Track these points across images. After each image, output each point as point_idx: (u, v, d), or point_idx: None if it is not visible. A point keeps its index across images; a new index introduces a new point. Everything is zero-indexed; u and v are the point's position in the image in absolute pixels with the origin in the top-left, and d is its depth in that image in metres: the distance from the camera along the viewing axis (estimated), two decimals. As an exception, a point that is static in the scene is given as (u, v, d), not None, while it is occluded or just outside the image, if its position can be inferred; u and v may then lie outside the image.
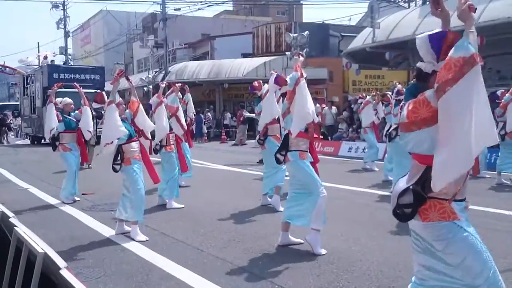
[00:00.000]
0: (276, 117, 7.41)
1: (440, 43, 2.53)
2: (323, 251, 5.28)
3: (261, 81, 8.35)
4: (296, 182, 5.59)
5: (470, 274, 2.57)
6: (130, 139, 6.27)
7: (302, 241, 5.55)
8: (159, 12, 32.70)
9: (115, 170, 6.21)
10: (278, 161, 5.63)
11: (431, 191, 2.55)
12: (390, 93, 11.21)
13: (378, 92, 13.45)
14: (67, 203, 8.46)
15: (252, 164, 14.00)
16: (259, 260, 5.17)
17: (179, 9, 32.62)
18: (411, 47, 19.60)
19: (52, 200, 8.93)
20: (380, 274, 4.61)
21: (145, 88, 30.27)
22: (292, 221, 5.55)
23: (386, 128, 9.74)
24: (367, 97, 12.99)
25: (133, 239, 6.02)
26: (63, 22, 43.11)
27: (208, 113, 28.38)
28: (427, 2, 20.93)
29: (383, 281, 4.42)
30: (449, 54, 2.40)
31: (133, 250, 5.64)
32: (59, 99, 9.25)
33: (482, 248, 2.61)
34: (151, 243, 5.88)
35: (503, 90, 10.30)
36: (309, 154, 5.57)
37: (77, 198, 8.72)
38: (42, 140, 23.57)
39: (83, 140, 9.05)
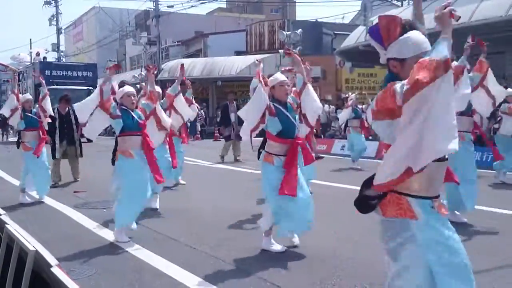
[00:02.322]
0: None
1: (378, 32, 2.54)
2: (278, 247, 5.33)
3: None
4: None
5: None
6: (124, 132, 5.86)
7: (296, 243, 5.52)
8: (152, 9, 32.61)
9: (113, 163, 6.02)
10: (258, 157, 5.60)
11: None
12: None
13: (363, 92, 13.61)
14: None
15: (246, 161, 14.01)
16: (252, 258, 5.17)
17: (172, 6, 32.65)
18: (403, 45, 19.67)
19: (44, 198, 8.89)
20: (372, 271, 4.62)
21: (138, 86, 30.16)
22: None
23: None
24: (352, 95, 13.18)
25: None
26: (55, 19, 42.99)
27: (201, 111, 28.33)
28: (420, 1, 21.00)
29: (375, 279, 4.44)
30: (423, 57, 2.33)
31: (125, 248, 5.62)
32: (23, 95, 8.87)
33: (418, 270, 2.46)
34: (144, 241, 5.86)
35: None
36: (280, 159, 5.21)
37: (29, 200, 8.52)
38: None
39: (45, 133, 8.71)
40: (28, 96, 8.82)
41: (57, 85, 24.11)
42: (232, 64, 28.59)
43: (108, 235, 6.21)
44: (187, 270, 4.79)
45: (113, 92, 5.87)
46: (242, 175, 11.98)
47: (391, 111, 2.39)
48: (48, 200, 8.66)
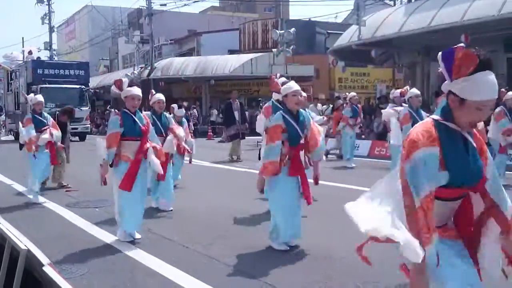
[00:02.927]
0: None
1: (452, 60, 2.30)
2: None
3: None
4: None
5: None
6: (124, 137, 5.71)
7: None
8: (145, 8, 32.50)
9: (111, 165, 5.80)
10: (259, 158, 5.72)
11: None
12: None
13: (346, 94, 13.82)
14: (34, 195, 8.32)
15: (241, 161, 14.02)
16: (245, 257, 5.17)
17: (165, 5, 32.44)
18: (396, 45, 19.76)
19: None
20: (366, 269, 4.63)
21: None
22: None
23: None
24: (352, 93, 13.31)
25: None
26: (48, 17, 42.76)
27: (194, 110, 28.30)
28: (413, 0, 21.07)
29: (369, 277, 4.45)
30: None
31: (117, 247, 5.60)
32: (29, 96, 8.87)
33: None
34: (137, 240, 5.84)
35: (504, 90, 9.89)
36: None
37: (42, 200, 8.35)
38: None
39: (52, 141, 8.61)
40: (40, 98, 8.67)
41: (49, 84, 23.98)
42: (225, 63, 28.59)
43: (101, 234, 6.18)
44: (180, 269, 4.78)
45: (120, 88, 5.76)
46: (237, 174, 11.99)
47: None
48: (40, 199, 8.61)
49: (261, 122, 7.61)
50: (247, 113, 19.25)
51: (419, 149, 2.25)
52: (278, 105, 6.58)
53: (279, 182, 5.24)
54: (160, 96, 7.87)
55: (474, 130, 2.47)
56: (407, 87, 9.78)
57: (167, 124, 7.86)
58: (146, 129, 5.85)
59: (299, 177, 5.37)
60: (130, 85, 5.87)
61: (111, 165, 5.74)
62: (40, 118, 8.50)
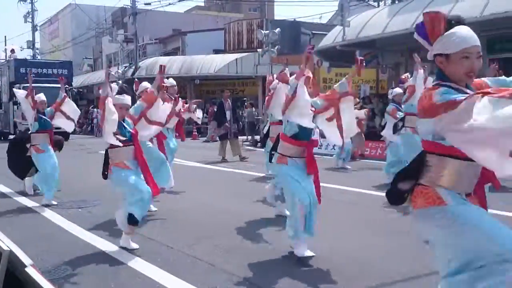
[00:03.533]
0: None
1: (424, 28, 2.55)
2: (309, 253, 5.03)
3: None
4: None
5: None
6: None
7: (313, 254, 5.10)
8: (129, 7, 32.30)
9: (105, 177, 5.54)
10: (270, 159, 5.46)
11: (422, 178, 2.55)
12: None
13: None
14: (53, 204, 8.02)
15: (226, 161, 14.02)
16: (229, 257, 5.18)
17: (149, 4, 32.25)
18: (380, 45, 19.88)
19: (19, 198, 8.76)
20: (351, 267, 4.68)
21: (113, 84, 29.90)
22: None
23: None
24: None
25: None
26: (30, 16, 42.29)
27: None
28: (396, 1, 21.22)
29: (364, 282, 4.49)
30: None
31: (101, 247, 5.58)
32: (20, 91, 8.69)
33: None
34: (119, 240, 5.81)
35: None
36: (295, 160, 5.09)
37: (54, 202, 8.11)
38: (9, 136, 23.08)
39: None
40: (43, 97, 8.46)
41: (32, 83, 23.68)
42: (211, 63, 28.56)
43: (83, 234, 6.15)
44: (163, 270, 4.77)
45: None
46: (222, 174, 11.99)
47: (429, 111, 2.40)
48: (22, 200, 8.54)
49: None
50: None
51: (438, 91, 2.37)
52: None
53: (292, 170, 5.06)
54: (147, 85, 7.55)
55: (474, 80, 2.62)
56: (407, 74, 9.64)
57: None
58: (136, 131, 5.72)
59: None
60: (119, 92, 5.60)
61: (105, 177, 5.54)
62: (45, 117, 8.30)
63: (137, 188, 5.41)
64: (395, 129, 8.44)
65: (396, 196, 2.68)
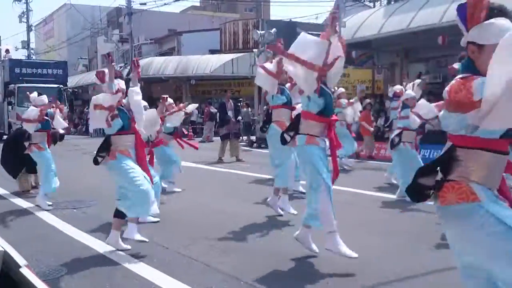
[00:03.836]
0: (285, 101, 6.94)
1: (464, 10, 2.37)
2: (354, 254, 4.71)
3: None
4: (304, 170, 5.03)
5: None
6: (121, 130, 5.47)
7: (317, 250, 5.03)
8: (124, 7, 32.22)
9: (96, 163, 5.46)
10: (284, 141, 5.10)
11: (451, 173, 2.41)
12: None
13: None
14: (45, 209, 7.81)
15: (222, 162, 14.00)
16: (225, 257, 5.17)
17: (144, 4, 32.17)
18: (375, 46, 19.91)
19: (13, 198, 8.73)
20: (358, 273, 4.67)
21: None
22: (308, 223, 4.95)
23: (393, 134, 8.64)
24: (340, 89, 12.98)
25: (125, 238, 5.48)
26: (25, 16, 42.18)
27: (175, 110, 28.17)
28: (392, 2, 21.26)
29: (359, 281, 4.49)
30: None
31: (96, 248, 5.56)
32: (33, 96, 8.41)
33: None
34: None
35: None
36: (324, 140, 4.94)
37: (49, 203, 7.99)
38: (3, 137, 23.00)
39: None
40: (45, 99, 8.38)
41: (27, 83, 23.69)
42: (206, 63, 28.52)
43: (78, 235, 6.13)
44: (159, 270, 4.75)
45: (102, 80, 5.52)
46: (217, 174, 11.99)
47: (465, 105, 2.25)
48: (17, 201, 8.51)
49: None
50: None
51: (476, 86, 2.21)
52: None
53: (322, 155, 4.90)
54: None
55: None
56: (401, 87, 9.28)
57: None
58: (134, 120, 5.66)
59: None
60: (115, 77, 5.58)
61: (96, 163, 5.46)
62: (47, 118, 8.25)
63: (138, 185, 5.33)
64: (392, 145, 8.21)
65: (418, 192, 2.53)
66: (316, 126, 4.90)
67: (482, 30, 2.33)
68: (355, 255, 4.68)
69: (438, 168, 2.46)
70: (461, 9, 2.39)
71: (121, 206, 5.42)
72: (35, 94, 8.45)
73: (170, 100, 9.04)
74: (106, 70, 5.58)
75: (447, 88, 2.38)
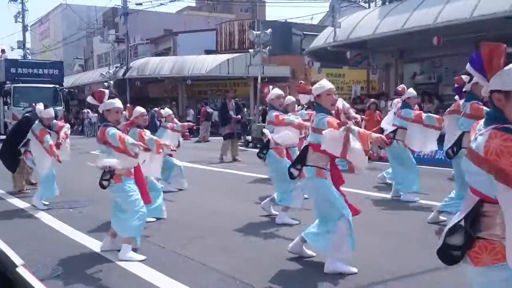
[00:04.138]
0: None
1: (479, 59, 2.24)
2: (352, 269, 4.62)
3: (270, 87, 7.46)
4: (315, 203, 4.88)
5: None
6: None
7: (314, 254, 5.05)
8: (120, 7, 32.18)
9: (102, 187, 5.18)
10: (292, 176, 4.92)
11: (481, 230, 2.23)
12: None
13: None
14: (41, 209, 7.77)
15: (217, 161, 14.01)
16: (221, 257, 5.18)
17: (140, 4, 32.15)
18: (370, 46, 19.95)
19: (10, 198, 8.72)
20: (357, 274, 4.70)
21: (105, 83, 29.83)
22: (309, 239, 4.85)
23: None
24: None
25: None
26: (21, 16, 42.06)
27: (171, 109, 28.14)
28: (387, 3, 21.30)
29: (355, 281, 4.51)
30: None
31: (92, 247, 5.57)
32: (39, 108, 8.10)
33: None
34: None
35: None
36: (329, 173, 4.84)
37: (45, 202, 7.95)
38: (0, 136, 22.93)
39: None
40: (52, 113, 8.16)
41: (22, 83, 23.64)
42: (202, 63, 28.51)
43: (75, 234, 6.14)
44: (155, 270, 4.77)
45: (100, 101, 5.23)
46: (213, 173, 11.99)
47: (508, 176, 2.07)
48: (13, 200, 8.50)
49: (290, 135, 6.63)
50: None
51: None
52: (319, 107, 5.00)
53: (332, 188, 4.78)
54: (142, 109, 7.15)
55: None
56: (403, 85, 9.13)
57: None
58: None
59: None
60: (110, 97, 5.36)
61: (103, 187, 5.22)
62: (51, 131, 8.01)
63: (140, 204, 5.29)
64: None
65: (449, 254, 2.31)
66: (324, 159, 4.78)
67: (505, 76, 2.19)
68: (355, 270, 4.60)
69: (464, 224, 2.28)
70: (474, 59, 2.27)
71: (115, 224, 5.34)
72: (41, 106, 8.12)
73: (168, 111, 9.08)
74: (106, 91, 5.37)
75: (482, 142, 2.17)
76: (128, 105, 7.88)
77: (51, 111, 8.19)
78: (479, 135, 2.22)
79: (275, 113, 6.67)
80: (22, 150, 8.33)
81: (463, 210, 2.29)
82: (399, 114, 8.11)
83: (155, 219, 6.70)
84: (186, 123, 10.21)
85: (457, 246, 2.27)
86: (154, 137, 6.64)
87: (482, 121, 2.33)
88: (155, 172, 6.74)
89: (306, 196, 7.23)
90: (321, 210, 4.76)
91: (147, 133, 6.73)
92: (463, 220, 2.26)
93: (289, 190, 6.55)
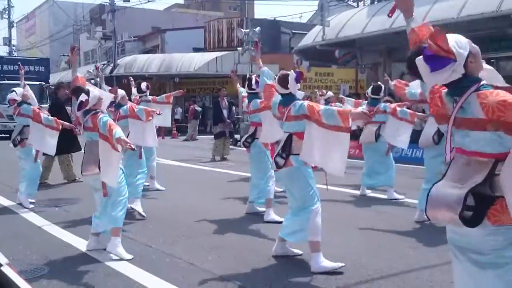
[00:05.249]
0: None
1: (431, 53, 2.39)
2: (338, 264, 4.64)
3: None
4: (291, 193, 4.92)
5: None
6: None
7: (300, 252, 5.08)
8: (108, 3, 31.96)
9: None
10: (277, 165, 4.83)
11: (496, 190, 2.25)
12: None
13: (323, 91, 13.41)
14: (27, 207, 7.62)
15: (205, 160, 13.98)
16: (208, 256, 5.16)
17: (128, 1, 31.91)
18: (359, 45, 20.06)
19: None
20: (342, 271, 4.70)
21: (92, 81, 29.62)
22: (287, 238, 4.97)
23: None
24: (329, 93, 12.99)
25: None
26: (7, 12, 41.66)
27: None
28: (375, 2, 21.39)
29: (343, 279, 4.51)
30: None
31: (78, 246, 5.51)
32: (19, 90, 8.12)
33: None
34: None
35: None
36: None
37: (31, 200, 7.83)
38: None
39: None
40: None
41: (8, 80, 23.39)
42: (190, 61, 28.43)
43: (60, 233, 6.07)
44: (142, 268, 4.73)
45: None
46: (201, 172, 11.96)
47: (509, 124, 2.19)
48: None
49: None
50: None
51: None
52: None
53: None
54: (123, 92, 7.72)
55: None
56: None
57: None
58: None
59: None
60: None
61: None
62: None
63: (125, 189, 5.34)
64: (377, 138, 8.23)
65: (472, 215, 2.28)
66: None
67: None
68: (341, 264, 4.63)
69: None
70: (427, 55, 2.42)
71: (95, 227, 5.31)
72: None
73: (122, 92, 8.43)
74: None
75: (476, 107, 2.29)
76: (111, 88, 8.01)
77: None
78: (462, 106, 2.33)
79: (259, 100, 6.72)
80: (18, 138, 7.97)
81: (471, 175, 2.30)
82: (378, 109, 8.20)
83: (145, 217, 6.64)
84: (172, 93, 10.31)
85: (476, 207, 2.26)
86: (142, 107, 7.33)
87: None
88: (152, 141, 7.18)
89: (280, 189, 7.37)
90: (299, 199, 4.81)
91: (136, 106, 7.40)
92: (480, 184, 2.26)
93: (263, 184, 6.80)
